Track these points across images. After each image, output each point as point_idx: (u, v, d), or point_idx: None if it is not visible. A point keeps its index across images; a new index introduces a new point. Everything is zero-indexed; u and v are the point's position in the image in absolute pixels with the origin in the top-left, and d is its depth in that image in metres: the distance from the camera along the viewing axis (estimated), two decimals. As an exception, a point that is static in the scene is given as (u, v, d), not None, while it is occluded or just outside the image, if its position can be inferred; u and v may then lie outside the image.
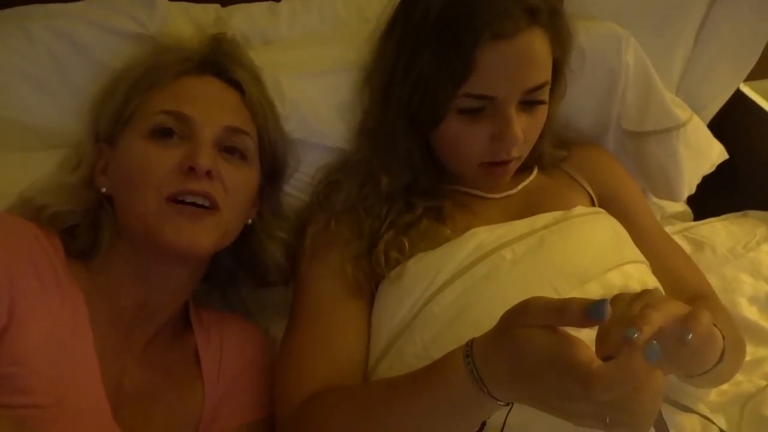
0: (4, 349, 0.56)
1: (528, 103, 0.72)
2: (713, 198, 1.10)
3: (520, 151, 0.75)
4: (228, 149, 0.71)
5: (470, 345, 0.54)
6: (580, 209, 0.79)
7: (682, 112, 0.95)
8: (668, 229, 1.04)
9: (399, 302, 0.72)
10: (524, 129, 0.72)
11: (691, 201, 1.11)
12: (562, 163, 0.89)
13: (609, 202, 0.86)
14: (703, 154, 1.02)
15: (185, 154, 0.67)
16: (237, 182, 0.70)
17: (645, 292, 0.56)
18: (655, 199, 1.06)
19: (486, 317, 0.66)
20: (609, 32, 0.90)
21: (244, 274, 0.84)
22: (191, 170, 0.66)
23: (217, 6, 0.92)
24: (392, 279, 0.74)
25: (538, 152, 0.84)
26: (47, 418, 0.57)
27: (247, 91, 0.76)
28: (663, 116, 0.94)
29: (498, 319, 0.64)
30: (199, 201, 0.67)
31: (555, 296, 0.66)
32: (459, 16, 0.69)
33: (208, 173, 0.67)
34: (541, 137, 0.79)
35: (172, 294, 0.72)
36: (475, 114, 0.72)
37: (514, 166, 0.77)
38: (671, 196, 1.02)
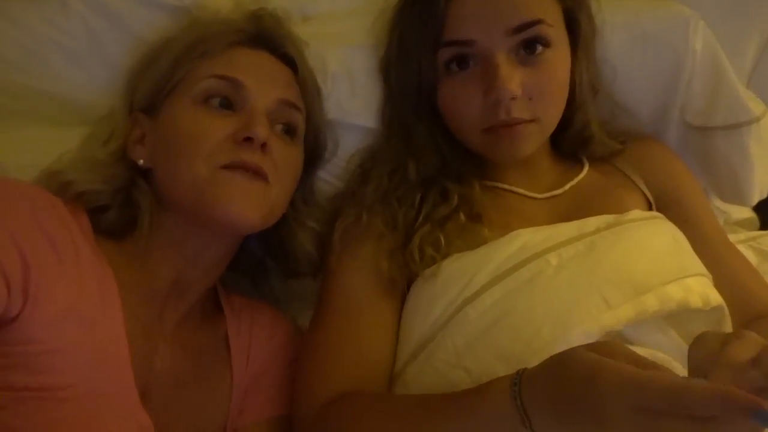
0: (19, 327, 0.53)
1: (525, 51, 0.66)
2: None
3: (529, 111, 0.68)
4: (281, 125, 0.69)
5: (520, 374, 0.50)
6: (635, 213, 0.71)
7: (755, 105, 0.86)
8: (732, 237, 0.94)
9: (432, 303, 0.68)
10: (526, 82, 0.66)
11: (759, 208, 1.01)
12: (617, 159, 0.82)
13: (668, 205, 0.78)
14: (777, 153, 0.92)
15: (240, 123, 0.64)
16: (288, 160, 0.68)
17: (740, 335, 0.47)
18: (718, 204, 0.97)
19: (526, 326, 0.62)
20: (675, 13, 0.81)
21: (273, 264, 0.81)
22: (247, 141, 0.63)
23: (257, -21, 0.89)
24: (426, 277, 0.69)
25: (585, 135, 0.77)
26: (69, 399, 0.54)
27: (300, 68, 0.73)
28: (734, 110, 0.85)
29: (540, 329, 0.58)
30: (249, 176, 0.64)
31: (604, 307, 0.60)
32: None
33: (263, 146, 0.64)
34: (577, 107, 0.72)
35: (206, 270, 0.69)
36: (463, 70, 0.67)
37: (530, 132, 0.69)
38: (740, 200, 0.93)
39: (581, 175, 0.79)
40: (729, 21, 0.87)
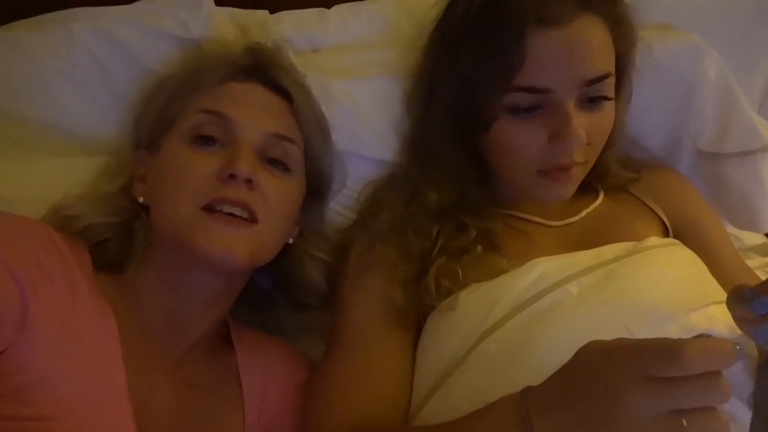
0: (10, 357, 0.52)
1: (590, 101, 0.66)
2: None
3: (584, 154, 0.68)
4: (271, 159, 0.67)
5: (526, 392, 0.50)
6: (653, 240, 0.70)
7: (768, 132, 0.86)
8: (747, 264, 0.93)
9: (449, 336, 0.66)
10: (587, 129, 0.65)
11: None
12: (631, 187, 0.81)
13: (686, 233, 0.77)
14: (790, 179, 0.91)
15: (225, 160, 0.63)
16: (279, 194, 0.66)
17: None
18: (731, 230, 0.96)
19: (549, 357, 0.59)
20: (686, 42, 0.82)
21: (281, 296, 0.79)
22: (231, 177, 0.61)
23: (265, 12, 0.88)
24: (443, 310, 0.67)
25: (603, 168, 0.77)
26: (60, 431, 0.52)
27: (294, 99, 0.71)
28: (747, 137, 0.84)
29: (562, 361, 0.57)
30: (237, 212, 0.62)
31: (627, 337, 0.59)
32: (504, 4, 0.64)
33: (248, 182, 0.62)
34: (607, 146, 0.72)
35: (204, 307, 0.67)
36: (528, 113, 0.65)
37: (578, 174, 0.69)
38: (753, 226, 0.92)
39: (596, 203, 0.78)
40: (739, 48, 0.88)
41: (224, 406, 0.68)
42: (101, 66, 0.78)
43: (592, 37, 0.64)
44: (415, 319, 0.70)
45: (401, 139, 0.80)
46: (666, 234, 0.78)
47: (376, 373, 0.67)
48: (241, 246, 0.61)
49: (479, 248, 0.70)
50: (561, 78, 0.63)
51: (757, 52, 0.91)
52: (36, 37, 0.77)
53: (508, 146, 0.68)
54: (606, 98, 0.67)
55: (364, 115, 0.78)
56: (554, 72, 0.63)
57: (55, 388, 0.53)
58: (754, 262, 0.96)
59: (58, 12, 0.81)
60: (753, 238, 1.01)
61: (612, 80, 0.67)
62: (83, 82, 0.78)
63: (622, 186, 0.81)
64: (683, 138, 0.86)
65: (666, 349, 0.41)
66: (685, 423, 0.41)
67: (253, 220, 0.63)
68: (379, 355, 0.68)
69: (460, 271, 0.68)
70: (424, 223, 0.72)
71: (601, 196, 0.79)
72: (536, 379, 0.59)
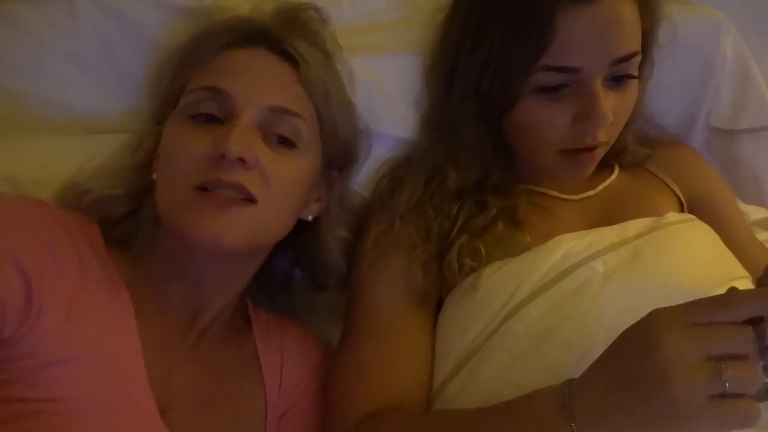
0: (19, 341, 0.51)
1: (616, 79, 0.65)
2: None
3: (607, 134, 0.67)
4: (275, 135, 0.63)
5: (568, 382, 0.50)
6: (673, 216, 0.70)
7: (781, 108, 0.86)
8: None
9: (473, 316, 0.65)
10: (613, 109, 0.64)
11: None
12: (646, 162, 0.81)
13: (700, 209, 0.78)
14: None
15: (217, 139, 0.59)
16: (283, 172, 0.61)
17: None
18: (738, 203, 0.97)
19: (578, 339, 0.60)
20: (706, 17, 0.81)
21: (303, 277, 0.77)
22: (222, 158, 0.58)
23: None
24: (465, 289, 0.67)
25: (621, 145, 0.76)
26: (75, 412, 0.51)
27: (302, 64, 0.66)
28: (760, 113, 0.85)
29: (593, 342, 0.57)
30: (230, 194, 0.58)
31: None
32: None
33: (242, 161, 0.58)
34: (627, 123, 0.71)
35: (215, 291, 0.65)
36: (554, 92, 0.64)
37: (600, 154, 0.69)
38: (762, 201, 0.93)
39: (612, 177, 0.78)
40: (755, 24, 0.87)
41: (246, 386, 0.67)
42: (106, 41, 0.75)
43: (622, 14, 0.62)
44: (434, 299, 0.70)
45: (419, 118, 0.78)
46: (681, 209, 0.78)
47: (397, 355, 0.66)
48: (234, 229, 0.58)
49: (500, 225, 0.69)
50: (591, 57, 0.62)
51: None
52: (36, 11, 0.73)
53: (532, 126, 0.67)
54: (631, 76, 0.66)
55: (382, 93, 0.76)
56: (584, 51, 0.62)
57: (68, 369, 0.52)
58: (761, 236, 0.98)
59: (58, -16, 0.77)
60: (758, 213, 1.02)
61: (638, 58, 0.66)
62: (87, 58, 0.75)
63: (637, 162, 0.80)
64: (698, 115, 0.86)
65: (712, 298, 0.44)
66: (723, 367, 0.42)
67: (250, 200, 0.59)
68: (399, 337, 0.67)
69: (482, 249, 0.67)
70: (444, 202, 0.71)
71: (617, 170, 0.79)
72: (565, 360, 0.60)
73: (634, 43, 0.65)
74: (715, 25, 0.80)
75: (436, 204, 0.71)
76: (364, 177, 0.79)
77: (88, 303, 0.55)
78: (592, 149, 0.67)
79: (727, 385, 0.41)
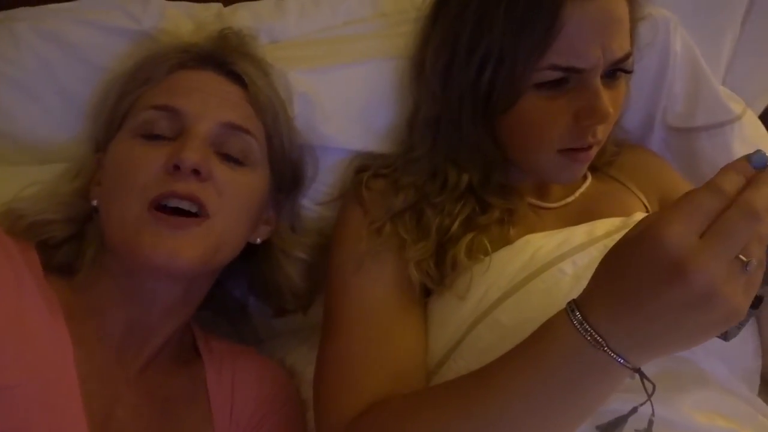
0: None
1: (609, 75, 0.64)
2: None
3: (603, 133, 0.66)
4: (225, 150, 0.62)
5: (571, 301, 0.47)
6: (640, 216, 0.69)
7: (735, 104, 0.86)
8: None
9: (444, 322, 0.65)
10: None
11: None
12: (610, 169, 0.80)
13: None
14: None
15: (172, 151, 0.59)
16: (235, 186, 0.61)
17: None
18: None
19: None
20: (656, 16, 0.80)
21: (257, 302, 0.76)
22: (176, 169, 0.57)
23: (219, 5, 0.85)
24: (441, 291, 0.66)
25: (602, 146, 0.74)
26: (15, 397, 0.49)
27: (250, 85, 0.67)
28: (715, 109, 0.84)
29: None
30: (185, 206, 0.58)
31: None
32: None
33: (196, 172, 0.58)
34: (614, 123, 0.70)
35: (165, 315, 0.63)
36: (555, 88, 0.63)
37: (594, 154, 0.68)
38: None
39: (588, 182, 0.77)
40: (702, 21, 0.87)
41: (192, 420, 0.64)
42: (50, 68, 0.74)
43: (621, 11, 0.62)
44: (423, 296, 0.68)
45: (368, 129, 0.77)
46: (647, 212, 0.77)
47: (391, 343, 0.64)
48: (189, 247, 0.57)
49: (495, 229, 0.68)
50: (594, 56, 0.61)
51: (720, 23, 0.90)
52: (-23, 40, 0.73)
53: (532, 125, 0.66)
54: (625, 71, 0.65)
55: (323, 106, 0.75)
56: (589, 46, 0.61)
57: (7, 396, 0.49)
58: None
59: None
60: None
61: (632, 57, 0.66)
62: (31, 86, 0.74)
63: (601, 168, 0.80)
64: (654, 115, 0.85)
65: (702, 192, 0.42)
66: (745, 260, 0.41)
67: (203, 214, 0.59)
68: (392, 327, 0.65)
69: (489, 246, 0.65)
70: (444, 202, 0.70)
71: (590, 176, 0.78)
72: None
73: (629, 42, 0.64)
74: (665, 23, 0.80)
75: (433, 204, 0.70)
76: (316, 193, 0.78)
77: (25, 326, 0.52)
78: (589, 148, 0.66)
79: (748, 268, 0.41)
